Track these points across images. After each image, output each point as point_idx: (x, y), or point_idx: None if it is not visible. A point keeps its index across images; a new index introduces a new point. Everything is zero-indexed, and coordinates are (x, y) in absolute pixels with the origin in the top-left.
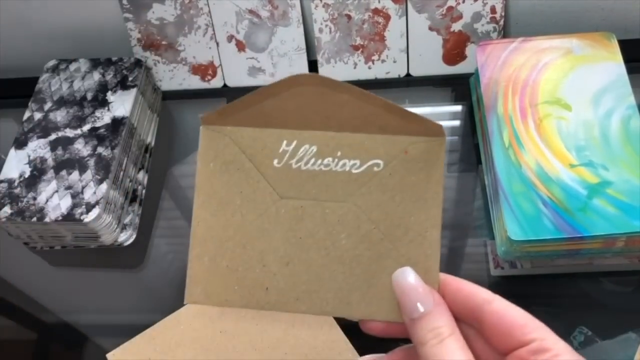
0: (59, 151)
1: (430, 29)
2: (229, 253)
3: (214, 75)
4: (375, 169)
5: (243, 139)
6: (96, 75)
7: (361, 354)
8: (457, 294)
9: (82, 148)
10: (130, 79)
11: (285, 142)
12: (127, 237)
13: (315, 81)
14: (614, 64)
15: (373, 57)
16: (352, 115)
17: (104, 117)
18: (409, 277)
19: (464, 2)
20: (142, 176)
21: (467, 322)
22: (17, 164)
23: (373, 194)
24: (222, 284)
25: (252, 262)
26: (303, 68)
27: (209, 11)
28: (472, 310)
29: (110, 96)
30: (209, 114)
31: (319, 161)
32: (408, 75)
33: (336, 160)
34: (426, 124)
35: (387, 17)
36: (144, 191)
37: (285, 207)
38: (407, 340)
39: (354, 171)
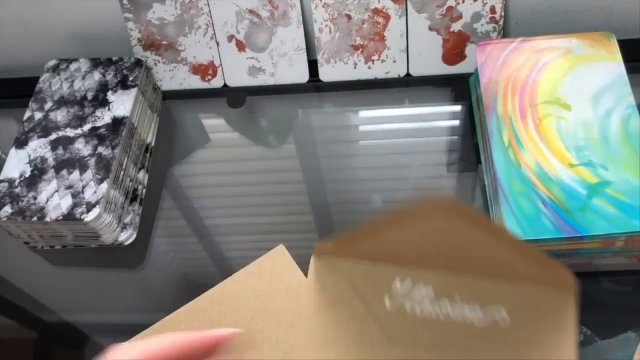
0: (60, 151)
1: (430, 29)
2: None
3: (214, 75)
4: (499, 320)
5: (355, 273)
6: (97, 75)
7: None
8: None
9: (82, 148)
10: (130, 79)
11: (399, 280)
12: (127, 236)
13: (453, 214)
14: (613, 64)
15: (373, 57)
16: (477, 256)
17: (104, 117)
18: None
19: (464, 2)
20: (142, 176)
21: None
22: (17, 164)
23: (496, 350)
24: None
25: None
26: (303, 68)
27: (210, 11)
28: None
29: (110, 96)
30: (324, 244)
31: (436, 305)
32: (408, 75)
33: (455, 305)
34: (557, 272)
35: (387, 17)
36: (144, 191)
37: (394, 355)
38: None
39: (475, 323)
